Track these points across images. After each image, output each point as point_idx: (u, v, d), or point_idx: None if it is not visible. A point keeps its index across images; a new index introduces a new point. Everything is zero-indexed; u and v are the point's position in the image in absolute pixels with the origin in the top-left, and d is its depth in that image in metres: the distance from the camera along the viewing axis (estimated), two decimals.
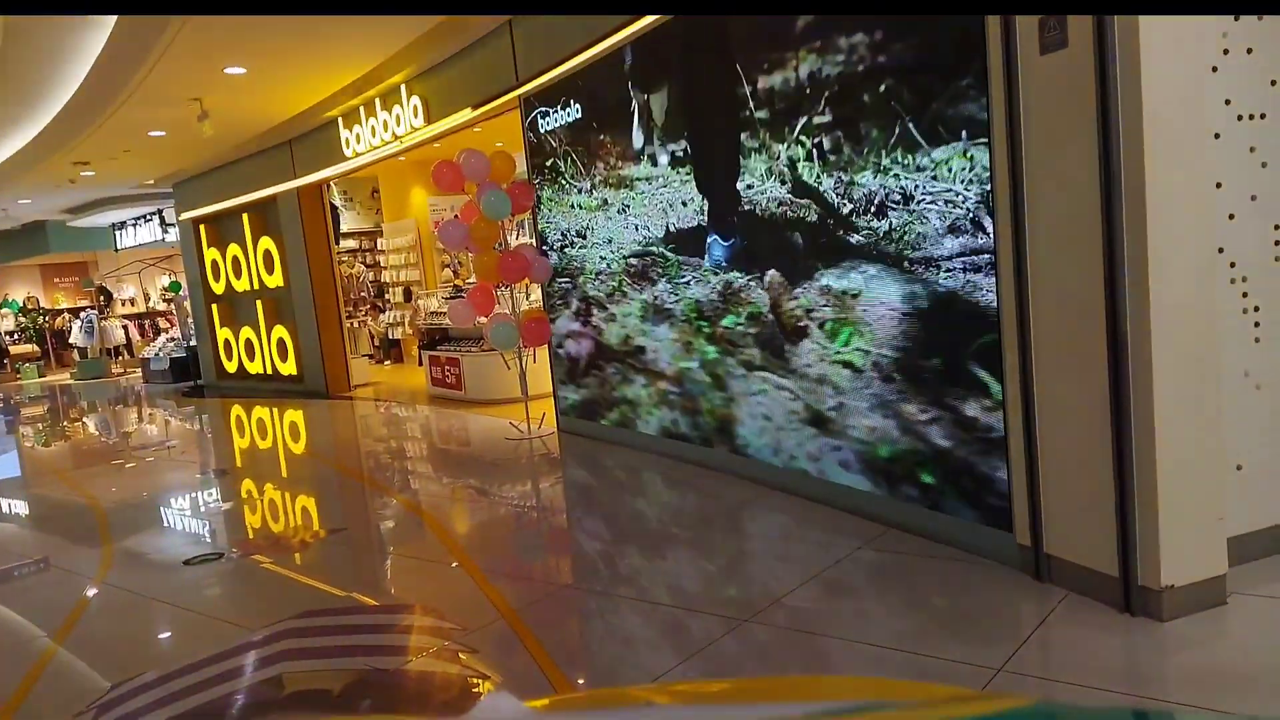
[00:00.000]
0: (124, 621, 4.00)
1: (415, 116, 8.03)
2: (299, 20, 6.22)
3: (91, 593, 4.43)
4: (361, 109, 8.81)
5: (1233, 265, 3.10)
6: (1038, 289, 3.10)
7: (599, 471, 5.93)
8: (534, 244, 7.02)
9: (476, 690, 2.86)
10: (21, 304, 22.03)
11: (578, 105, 6.04)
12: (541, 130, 6.52)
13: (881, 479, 3.96)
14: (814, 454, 4.34)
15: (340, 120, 9.21)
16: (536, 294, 7.62)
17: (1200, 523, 2.83)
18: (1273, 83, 3.08)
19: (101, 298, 20.75)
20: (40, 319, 21.16)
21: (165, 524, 5.87)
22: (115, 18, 6.26)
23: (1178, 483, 2.79)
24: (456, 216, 6.89)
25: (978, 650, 2.77)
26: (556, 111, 6.29)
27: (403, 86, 8.06)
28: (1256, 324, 3.15)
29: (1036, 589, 3.15)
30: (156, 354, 14.78)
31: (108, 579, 4.63)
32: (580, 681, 2.95)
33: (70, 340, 19.31)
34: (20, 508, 7.09)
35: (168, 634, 3.86)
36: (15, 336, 21.20)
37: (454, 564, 4.33)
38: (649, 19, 5.09)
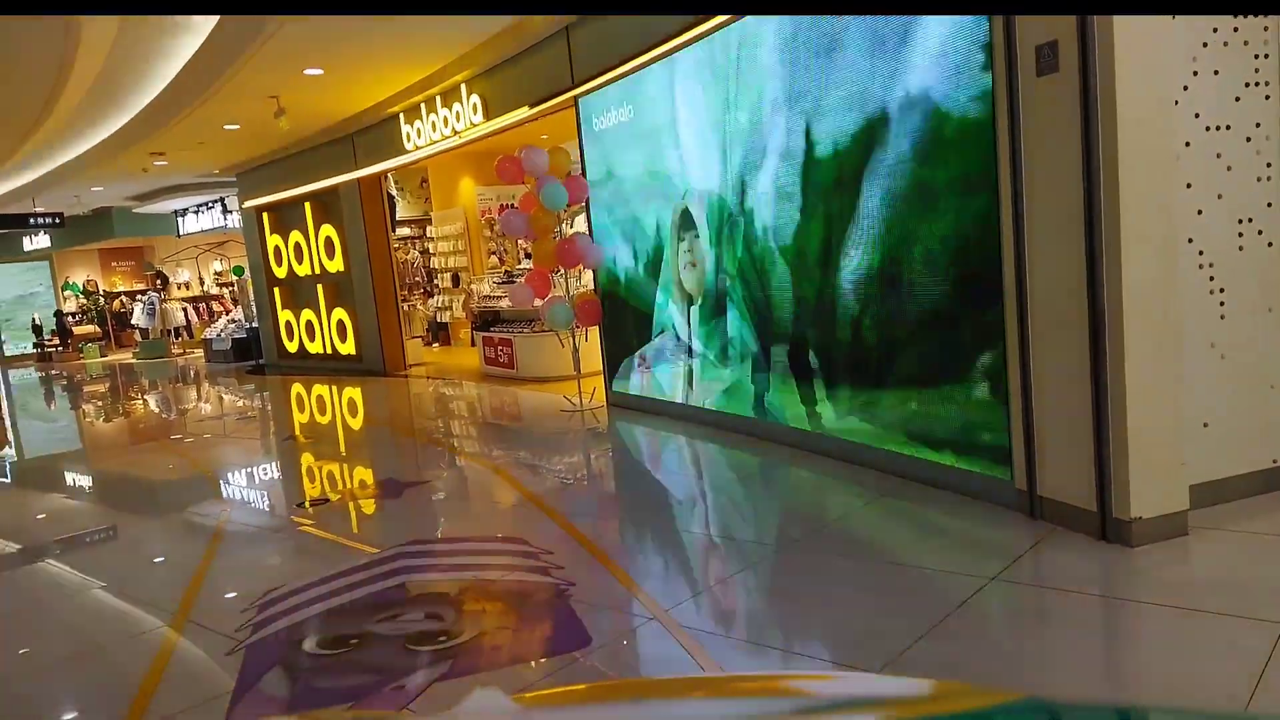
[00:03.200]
0: (262, 548, 4.75)
1: (475, 113, 8.69)
2: (377, 25, 6.89)
3: (227, 528, 5.19)
4: (423, 105, 9.48)
5: (1201, 253, 3.67)
6: (1034, 269, 3.69)
7: (650, 437, 6.59)
8: (587, 232, 7.67)
9: (567, 594, 3.53)
10: (82, 286, 23.09)
11: (630, 107, 6.67)
12: (595, 128, 7.16)
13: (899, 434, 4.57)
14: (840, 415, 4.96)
15: (402, 115, 9.89)
16: (588, 278, 8.28)
17: (1164, 466, 3.43)
18: (1236, 99, 3.65)
19: (158, 281, 21.75)
20: (101, 301, 22.18)
21: (270, 478, 6.64)
22: (214, 23, 6.96)
23: (1145, 432, 3.38)
24: (514, 206, 7.55)
25: (975, 565, 3.39)
26: (610, 111, 6.93)
27: (463, 85, 8.72)
28: (1222, 303, 3.72)
29: (1029, 524, 3.77)
30: (219, 335, 15.65)
31: (235, 519, 5.39)
32: (650, 589, 3.62)
33: (132, 321, 20.30)
34: (134, 469, 7.91)
35: (303, 557, 4.59)
36: (77, 317, 22.26)
37: (534, 509, 5.02)
38: (698, 30, 5.69)
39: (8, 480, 8.22)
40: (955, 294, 4.12)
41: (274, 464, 7.32)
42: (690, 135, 6.04)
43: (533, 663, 3.05)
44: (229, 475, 6.93)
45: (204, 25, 7.11)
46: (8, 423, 11.47)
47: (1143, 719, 0.86)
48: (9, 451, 9.59)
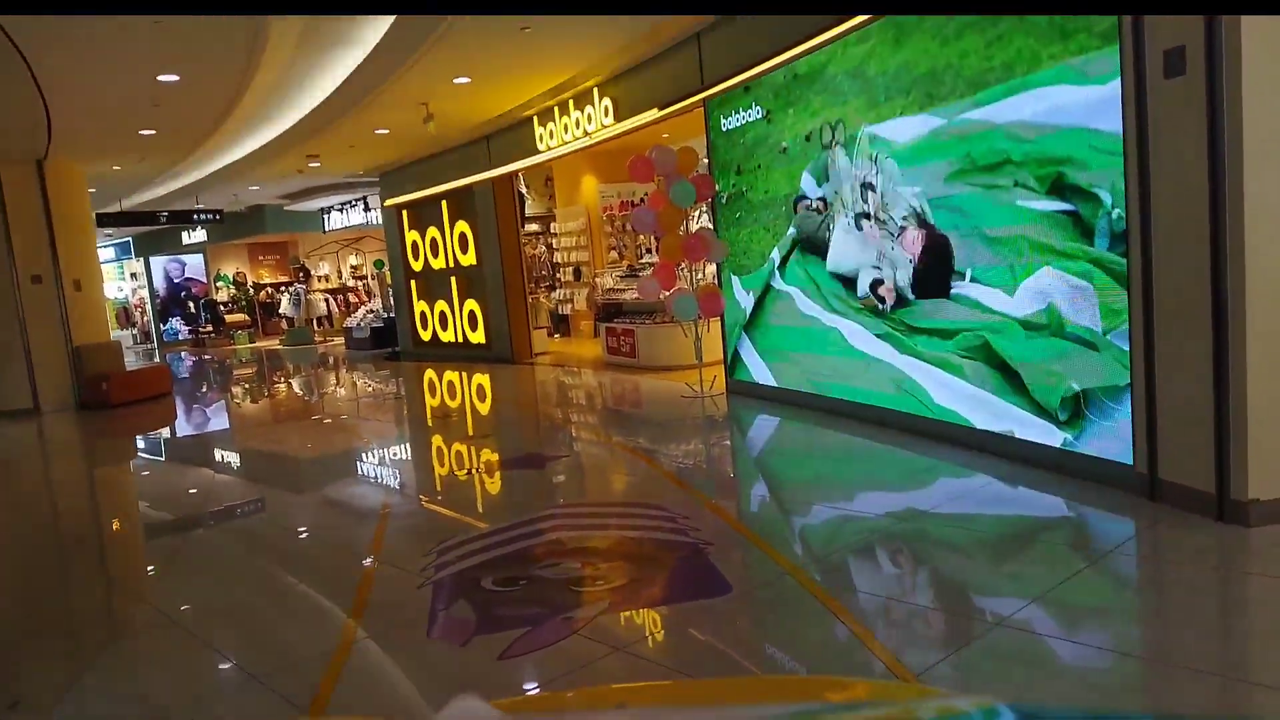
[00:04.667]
0: (430, 509, 5.36)
1: (605, 115, 9.20)
2: (521, 37, 7.46)
3: (397, 493, 5.84)
4: (555, 108, 10.07)
5: None
6: (1160, 260, 3.87)
7: (767, 424, 6.93)
8: (711, 228, 8.07)
9: (706, 551, 3.94)
10: (232, 278, 24.99)
11: (759, 107, 7.02)
12: (723, 129, 7.54)
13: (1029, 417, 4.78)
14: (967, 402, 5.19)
15: (535, 118, 10.52)
16: (710, 271, 8.67)
17: None
18: None
19: (301, 274, 23.35)
20: (250, 292, 23.96)
21: (428, 451, 7.33)
22: (381, 34, 7.65)
23: (1264, 418, 3.53)
24: (640, 202, 8.00)
25: (1098, 541, 3.62)
26: (738, 113, 7.29)
27: (595, 89, 9.24)
28: None
29: (1149, 505, 3.94)
30: (359, 324, 16.79)
31: (403, 486, 6.05)
32: (781, 550, 3.99)
33: (280, 311, 21.89)
34: (318, 443, 8.80)
35: (467, 516, 5.17)
36: (229, 306, 24.12)
37: (668, 482, 5.46)
38: (819, 39, 5.99)
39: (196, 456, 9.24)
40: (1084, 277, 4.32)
41: (430, 439, 8.04)
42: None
43: (681, 604, 3.47)
44: (395, 449, 7.66)
45: (371, 37, 7.84)
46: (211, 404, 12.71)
47: None
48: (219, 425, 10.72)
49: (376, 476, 6.50)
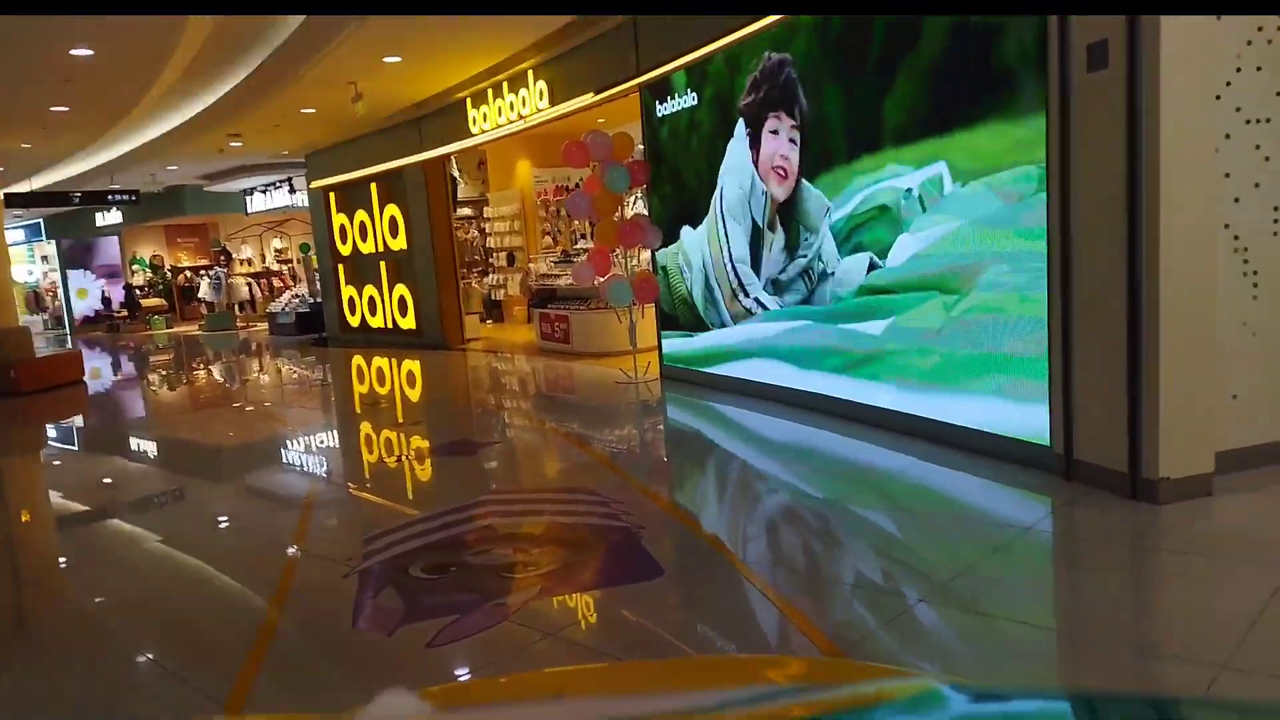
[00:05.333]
0: (358, 498, 5.23)
1: (540, 99, 9.08)
2: (454, 15, 7.31)
3: (323, 482, 5.69)
4: (490, 91, 9.91)
5: (1236, 238, 3.94)
6: (1079, 248, 3.99)
7: (700, 409, 6.97)
8: (647, 214, 8.05)
9: (638, 535, 3.93)
10: (149, 261, 24.04)
11: (694, 94, 7.02)
12: (658, 114, 7.51)
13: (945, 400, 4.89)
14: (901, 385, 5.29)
15: (469, 100, 10.33)
16: (645, 257, 8.65)
17: (1193, 432, 3.72)
18: (1277, 94, 3.90)
19: (222, 257, 22.59)
20: (168, 275, 23.09)
21: (357, 438, 7.16)
22: (304, 15, 7.43)
23: (1176, 401, 3.68)
24: (570, 188, 7.93)
25: (1014, 517, 3.72)
26: (673, 99, 7.28)
27: (530, 71, 9.12)
28: (1255, 284, 3.99)
29: (1065, 485, 4.08)
30: (283, 309, 16.32)
31: (329, 475, 5.89)
32: (714, 533, 4.01)
33: (199, 295, 21.15)
34: (236, 432, 8.52)
35: (396, 505, 5.06)
36: (145, 291, 23.21)
37: (602, 467, 5.44)
38: (759, 25, 6.02)
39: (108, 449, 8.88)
40: (1005, 271, 4.43)
41: (358, 426, 7.85)
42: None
43: (614, 588, 3.46)
44: (322, 436, 7.46)
45: (294, 17, 7.59)
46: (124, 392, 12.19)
47: (1059, 703, 0.84)
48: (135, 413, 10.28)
49: (302, 465, 6.33)
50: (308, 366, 12.76)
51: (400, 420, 7.79)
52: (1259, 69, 3.88)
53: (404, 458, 6.10)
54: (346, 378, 11.26)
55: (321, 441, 7.20)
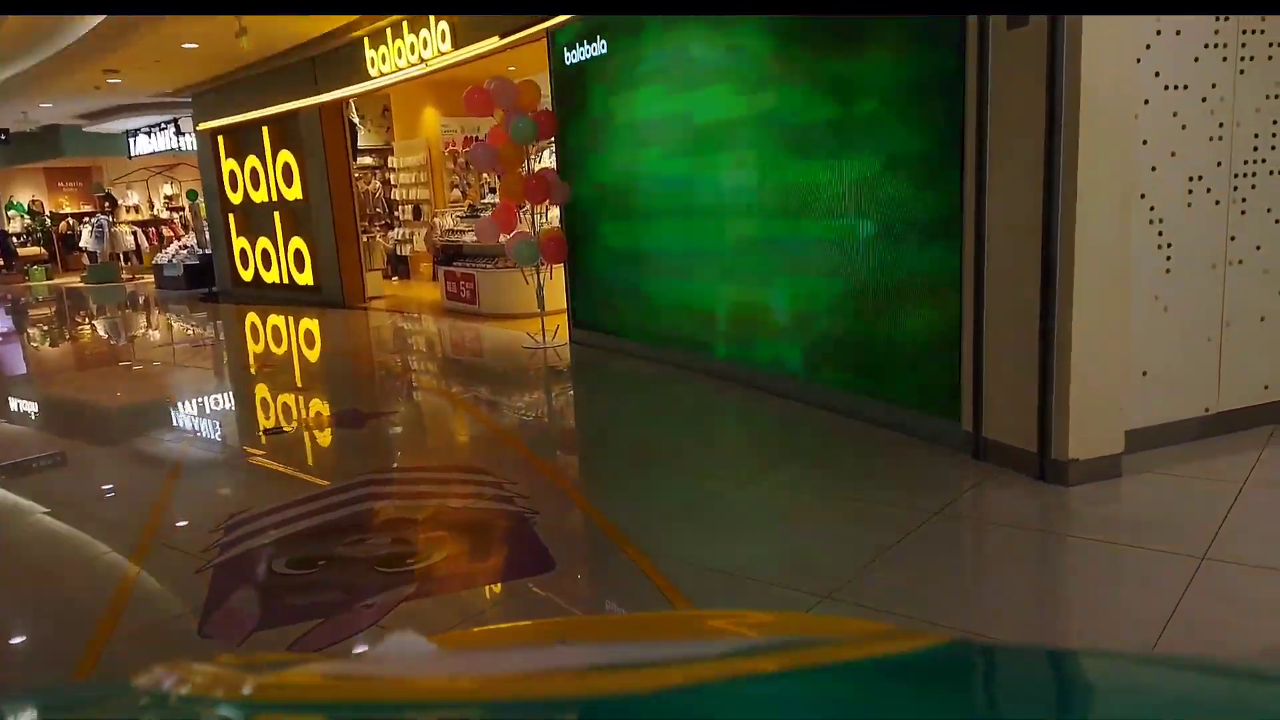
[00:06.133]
0: (225, 476, 4.78)
1: (443, 41, 8.50)
2: None
3: (188, 456, 5.20)
4: (389, 30, 9.25)
5: (1152, 209, 3.81)
6: (992, 213, 3.80)
7: (609, 377, 6.68)
8: (555, 168, 7.63)
9: (531, 521, 3.64)
10: (28, 206, 22.32)
11: (603, 40, 6.60)
12: (567, 62, 7.07)
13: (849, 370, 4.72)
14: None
15: (367, 40, 9.64)
16: (554, 214, 8.25)
17: (1102, 411, 3.61)
18: (1195, 59, 3.75)
19: (107, 204, 21.11)
20: (48, 222, 21.49)
21: (232, 407, 6.63)
22: None
23: (1087, 378, 3.55)
24: (479, 139, 7.47)
25: (921, 500, 3.57)
26: (582, 45, 6.84)
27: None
28: (1168, 257, 3.88)
29: (974, 465, 3.94)
30: (170, 260, 15.30)
31: (195, 449, 5.40)
32: (612, 518, 3.76)
33: (80, 245, 19.74)
34: (94, 395, 7.83)
35: (268, 484, 4.63)
36: (23, 239, 21.57)
37: (498, 442, 5.11)
38: None
39: None
40: (917, 237, 4.24)
41: (234, 393, 7.29)
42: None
43: (498, 586, 3.17)
44: (192, 404, 6.89)
45: None
46: None
47: (1072, 662, 0.84)
48: None
49: (162, 437, 5.73)
50: (194, 323, 11.98)
51: (288, 387, 7.25)
52: (1178, 33, 3.72)
53: (284, 430, 5.64)
54: (235, 338, 10.58)
55: (194, 410, 6.63)
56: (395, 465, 4.85)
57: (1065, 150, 3.45)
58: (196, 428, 5.99)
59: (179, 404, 6.83)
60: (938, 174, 4.10)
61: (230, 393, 7.29)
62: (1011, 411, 3.82)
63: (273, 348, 9.62)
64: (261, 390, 7.18)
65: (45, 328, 12.91)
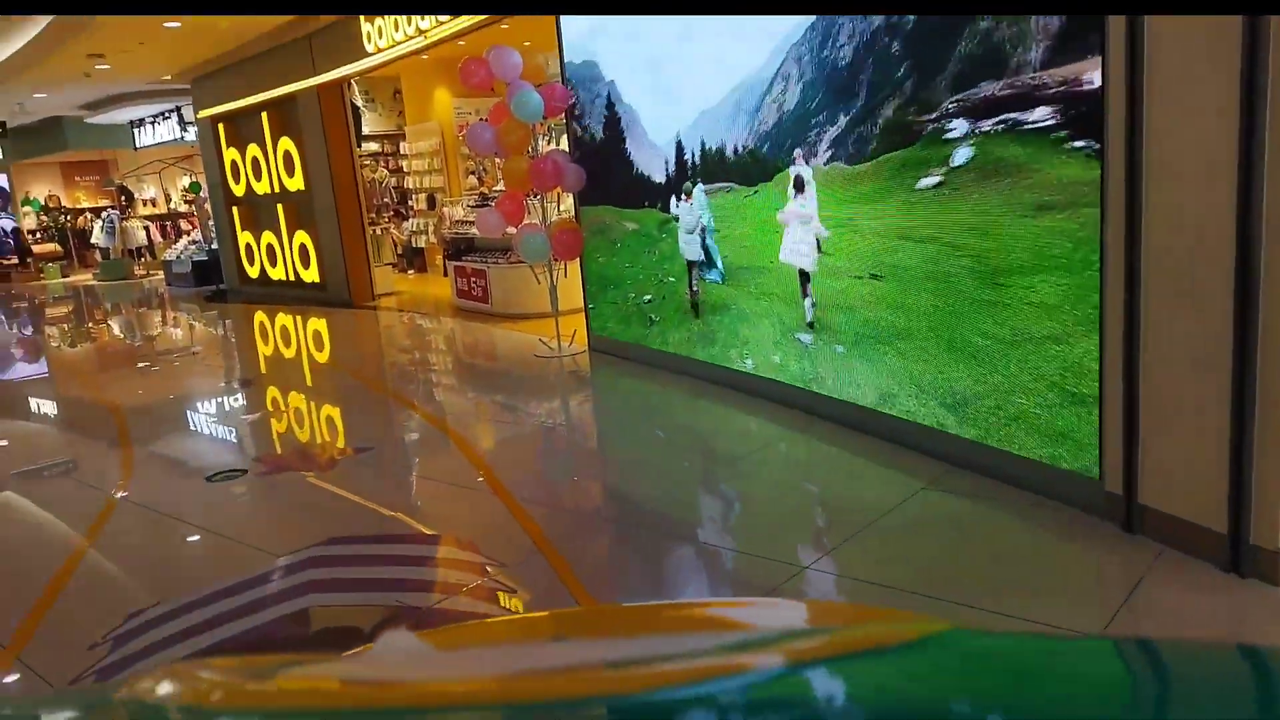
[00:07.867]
0: (147, 540, 3.83)
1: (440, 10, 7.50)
2: None
3: (113, 506, 4.27)
4: None
5: None
6: (1151, 208, 2.72)
7: (637, 398, 5.66)
8: (566, 150, 6.61)
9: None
10: (43, 202, 21.78)
11: None
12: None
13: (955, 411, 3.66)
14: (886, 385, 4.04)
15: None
16: (569, 203, 7.23)
17: None
18: None
19: (123, 197, 20.48)
20: (62, 218, 20.94)
21: (188, 439, 5.72)
22: None
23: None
24: (484, 119, 6.49)
25: (1071, 613, 2.51)
26: None
27: None
28: None
29: (1127, 542, 2.88)
30: (178, 256, 14.56)
31: (129, 494, 4.47)
32: None
33: (92, 241, 19.13)
34: (50, 409, 6.99)
35: (188, 557, 3.67)
36: (38, 235, 21.04)
37: (497, 502, 4.10)
38: None
39: None
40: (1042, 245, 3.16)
41: (200, 419, 6.36)
42: None
43: None
44: (130, 439, 5.97)
45: None
46: None
47: (1070, 650, 0.80)
48: None
49: (99, 482, 4.77)
50: (187, 326, 11.17)
51: (255, 414, 6.21)
52: None
53: (228, 478, 4.50)
54: (225, 345, 9.73)
55: (130, 453, 5.67)
56: (357, 535, 3.72)
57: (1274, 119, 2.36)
58: (113, 480, 4.88)
59: (117, 450, 5.90)
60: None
61: (184, 423, 6.32)
62: (1186, 473, 2.74)
63: (269, 349, 8.73)
64: (223, 415, 6.26)
65: (56, 326, 12.19)
